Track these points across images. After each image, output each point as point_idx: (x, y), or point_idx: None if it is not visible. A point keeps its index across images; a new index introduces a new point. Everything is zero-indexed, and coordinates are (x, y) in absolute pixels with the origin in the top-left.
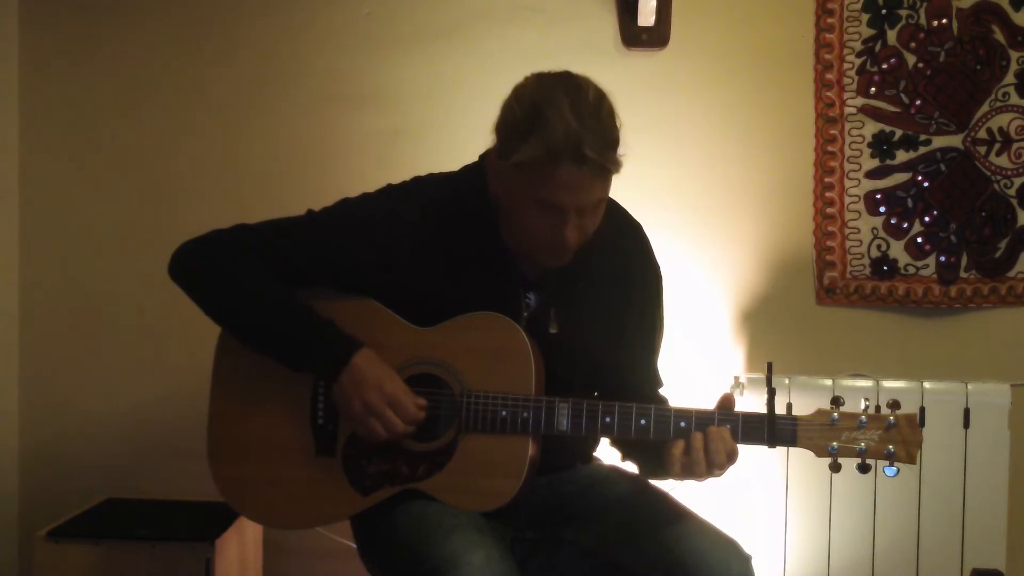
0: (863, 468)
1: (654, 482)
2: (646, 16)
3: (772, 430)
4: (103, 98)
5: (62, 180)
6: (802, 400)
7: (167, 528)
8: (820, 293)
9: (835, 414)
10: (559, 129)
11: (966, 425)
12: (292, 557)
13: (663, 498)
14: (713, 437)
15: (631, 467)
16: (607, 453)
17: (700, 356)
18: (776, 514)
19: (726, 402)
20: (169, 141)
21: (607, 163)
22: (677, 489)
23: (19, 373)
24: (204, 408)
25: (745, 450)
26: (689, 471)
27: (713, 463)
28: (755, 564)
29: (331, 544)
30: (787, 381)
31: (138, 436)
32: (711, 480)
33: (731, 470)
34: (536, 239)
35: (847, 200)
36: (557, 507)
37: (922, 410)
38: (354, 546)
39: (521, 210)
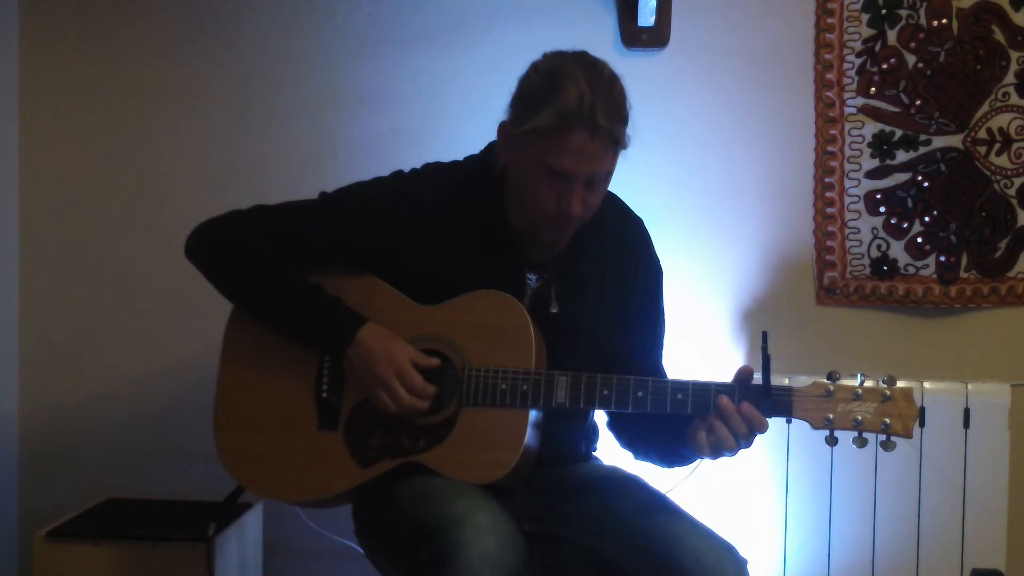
0: (859, 441)
1: (670, 471)
2: (646, 16)
3: (768, 400)
4: (103, 98)
5: (62, 180)
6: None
7: (167, 528)
8: (820, 293)
9: (831, 386)
10: (574, 97)
11: (966, 425)
12: (292, 557)
13: (661, 499)
14: (730, 415)
15: (640, 468)
16: (612, 456)
17: (700, 356)
18: (776, 514)
19: (743, 373)
20: (168, 141)
21: (618, 134)
22: (675, 490)
23: (19, 373)
24: (204, 408)
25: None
26: (718, 449)
27: (738, 435)
28: (755, 564)
29: (331, 544)
30: (787, 381)
31: (138, 436)
32: (741, 453)
33: (759, 440)
34: (541, 209)
35: (847, 200)
36: (556, 502)
37: (922, 410)
38: (355, 546)
39: (529, 178)
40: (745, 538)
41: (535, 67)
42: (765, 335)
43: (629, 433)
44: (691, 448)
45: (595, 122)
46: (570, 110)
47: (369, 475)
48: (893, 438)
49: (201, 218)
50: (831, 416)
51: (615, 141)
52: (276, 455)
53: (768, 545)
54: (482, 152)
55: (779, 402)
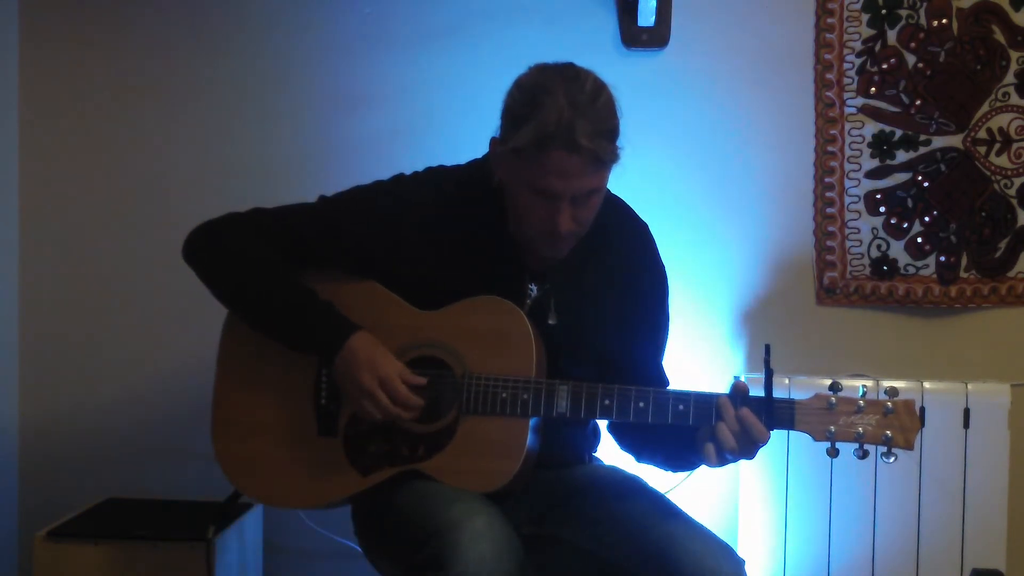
0: (861, 453)
1: (674, 475)
2: (646, 16)
3: (770, 413)
4: (103, 98)
5: (62, 180)
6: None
7: (167, 528)
8: (820, 293)
9: (833, 399)
10: (552, 115)
11: (966, 425)
12: (292, 557)
13: (660, 500)
14: (744, 417)
15: (644, 470)
16: (612, 456)
17: (700, 356)
18: (776, 514)
19: (737, 388)
20: (169, 141)
21: (600, 151)
22: (675, 491)
23: (19, 373)
24: (205, 408)
25: None
26: (721, 453)
27: (739, 438)
28: (756, 565)
29: (331, 544)
30: (787, 381)
31: (138, 436)
32: (743, 462)
33: (762, 451)
34: (531, 226)
35: (847, 200)
36: (555, 504)
37: (922, 410)
38: (354, 546)
39: (518, 196)
40: (745, 539)
41: (518, 83)
42: (768, 348)
43: (631, 438)
44: (694, 452)
45: (574, 141)
46: (548, 129)
47: (368, 483)
48: (895, 450)
49: (201, 218)
50: (832, 429)
51: (597, 158)
52: (276, 461)
53: (768, 545)
54: (485, 156)
55: (781, 415)
